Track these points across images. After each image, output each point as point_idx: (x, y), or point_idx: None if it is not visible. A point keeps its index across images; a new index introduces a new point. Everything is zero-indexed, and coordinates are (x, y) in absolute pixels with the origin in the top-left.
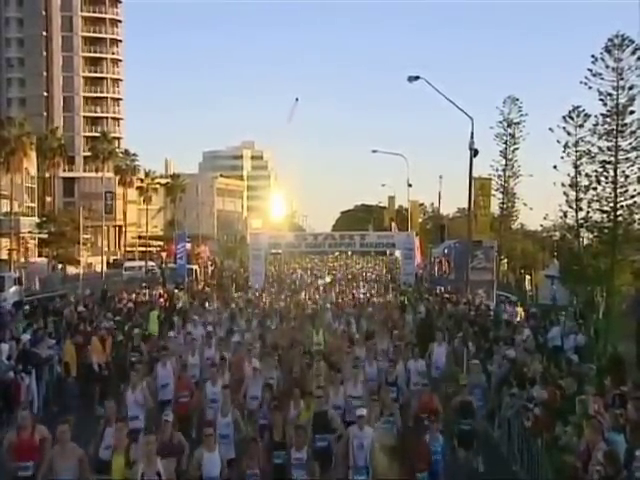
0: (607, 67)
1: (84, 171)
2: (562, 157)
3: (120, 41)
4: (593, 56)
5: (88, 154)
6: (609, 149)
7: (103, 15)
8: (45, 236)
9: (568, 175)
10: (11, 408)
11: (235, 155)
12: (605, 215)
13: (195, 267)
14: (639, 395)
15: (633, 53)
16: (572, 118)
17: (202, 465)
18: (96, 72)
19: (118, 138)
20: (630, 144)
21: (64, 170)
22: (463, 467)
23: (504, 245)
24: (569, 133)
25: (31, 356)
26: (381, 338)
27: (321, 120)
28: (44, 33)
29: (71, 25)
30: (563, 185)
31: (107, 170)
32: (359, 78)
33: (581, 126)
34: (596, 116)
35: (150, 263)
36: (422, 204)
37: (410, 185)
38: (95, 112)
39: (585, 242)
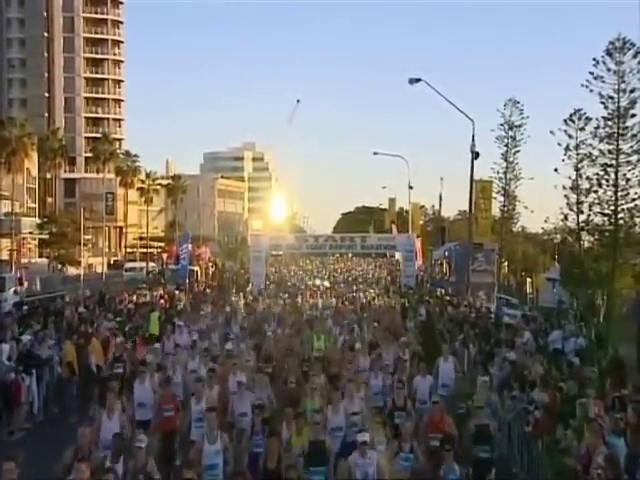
0: (608, 70)
1: (85, 172)
2: (563, 160)
3: (121, 42)
4: (594, 59)
5: (89, 155)
6: (610, 152)
7: (104, 16)
8: (46, 237)
9: (569, 178)
10: (11, 408)
11: (236, 156)
12: (606, 218)
13: (196, 268)
14: (639, 399)
15: (634, 56)
16: (573, 121)
17: None
18: (97, 73)
19: (119, 139)
20: (631, 147)
21: (65, 171)
22: None
23: (505, 248)
24: (570, 136)
25: (31, 357)
26: (386, 347)
27: (321, 121)
28: (45, 34)
29: (72, 26)
30: (564, 188)
31: (108, 171)
32: (359, 79)
33: (582, 129)
34: (597, 119)
35: (151, 264)
36: (423, 206)
37: (411, 187)
38: (96, 113)
39: (586, 245)
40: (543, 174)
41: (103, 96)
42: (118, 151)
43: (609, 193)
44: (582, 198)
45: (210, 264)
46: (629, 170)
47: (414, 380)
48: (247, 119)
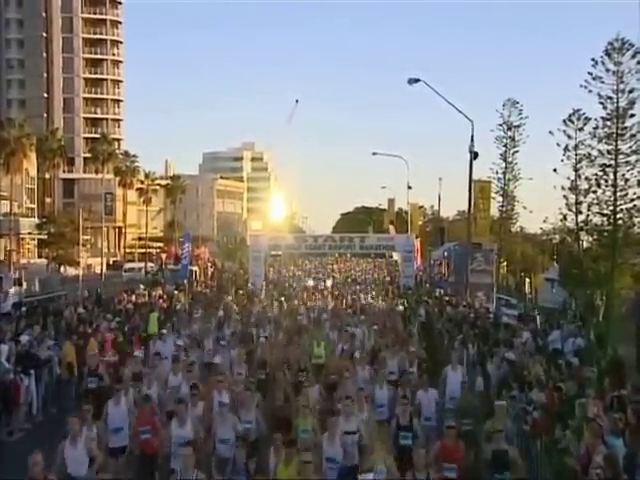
0: (607, 70)
1: (84, 172)
2: (562, 160)
3: (120, 42)
4: (593, 59)
5: (88, 155)
6: (609, 152)
7: (103, 16)
8: (45, 237)
9: (568, 178)
10: (10, 409)
11: (235, 156)
12: (605, 218)
13: (195, 269)
14: (638, 399)
15: (633, 57)
16: (572, 121)
17: None
18: (96, 73)
19: (118, 139)
20: (630, 147)
21: (64, 171)
22: None
23: (504, 248)
24: (569, 136)
25: (30, 357)
26: (391, 356)
27: (321, 121)
28: (44, 34)
29: (71, 26)
30: (563, 188)
31: (107, 171)
32: (358, 79)
33: (581, 129)
34: (596, 119)
35: (150, 264)
36: (422, 206)
37: (410, 187)
38: (95, 113)
39: (585, 245)
40: (542, 174)
41: (102, 96)
42: (117, 151)
43: (608, 193)
44: (581, 198)
45: (209, 264)
46: (628, 170)
47: (417, 394)
48: (246, 119)
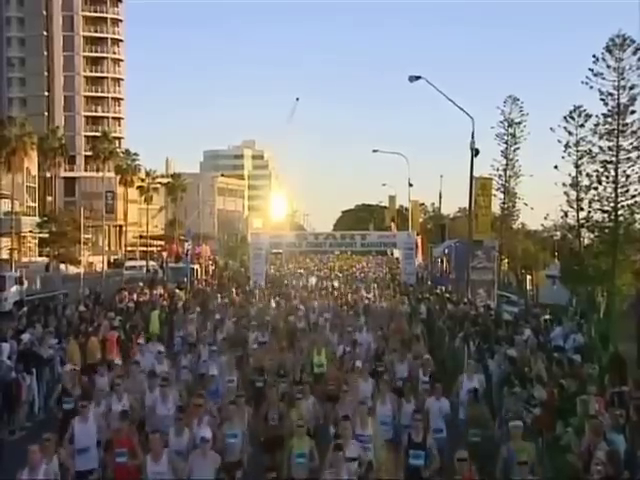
0: (608, 67)
1: (85, 171)
2: (563, 157)
3: (121, 41)
4: (594, 56)
5: (89, 154)
6: (610, 149)
7: (104, 15)
8: (46, 236)
9: (569, 175)
10: (12, 408)
11: (236, 154)
12: (606, 215)
13: (196, 267)
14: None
15: (634, 53)
16: (573, 118)
17: None
18: (97, 72)
19: (119, 138)
20: (631, 144)
21: (65, 170)
22: None
23: (505, 245)
24: (570, 133)
25: (32, 356)
26: (400, 361)
27: (322, 119)
28: (45, 33)
29: (72, 25)
30: (564, 185)
31: (108, 170)
32: (359, 77)
33: (582, 126)
34: (597, 116)
35: (151, 263)
36: (423, 204)
37: (411, 185)
38: (96, 112)
39: (586, 242)
40: (543, 171)
41: (103, 95)
42: (118, 150)
43: (609, 190)
44: (582, 195)
45: (210, 262)
46: (629, 167)
47: (426, 402)
48: (247, 118)
